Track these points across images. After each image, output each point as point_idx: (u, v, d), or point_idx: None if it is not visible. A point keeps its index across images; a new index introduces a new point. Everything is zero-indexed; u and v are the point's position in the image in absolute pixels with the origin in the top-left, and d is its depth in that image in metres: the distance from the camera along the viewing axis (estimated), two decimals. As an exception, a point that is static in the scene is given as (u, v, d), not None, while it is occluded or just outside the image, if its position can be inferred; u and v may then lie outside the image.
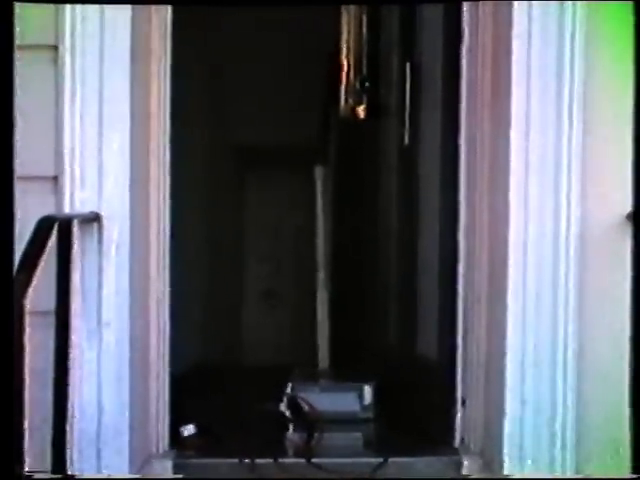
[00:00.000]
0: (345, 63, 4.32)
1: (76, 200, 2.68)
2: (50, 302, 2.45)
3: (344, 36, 4.52)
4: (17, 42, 2.58)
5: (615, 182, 2.64)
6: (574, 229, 2.64)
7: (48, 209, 2.63)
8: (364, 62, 4.34)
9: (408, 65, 3.55)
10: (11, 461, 2.03)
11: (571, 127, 2.66)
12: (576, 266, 2.63)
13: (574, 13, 2.64)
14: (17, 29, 2.58)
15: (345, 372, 3.41)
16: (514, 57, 2.70)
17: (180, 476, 2.82)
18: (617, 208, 2.62)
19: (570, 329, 2.62)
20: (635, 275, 2.50)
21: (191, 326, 3.43)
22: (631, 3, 2.57)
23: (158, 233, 2.86)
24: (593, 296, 2.64)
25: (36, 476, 2.19)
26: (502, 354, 2.65)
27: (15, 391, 2.03)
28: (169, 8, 2.89)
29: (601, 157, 2.66)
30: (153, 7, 2.78)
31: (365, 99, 4.23)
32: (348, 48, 4.52)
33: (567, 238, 2.64)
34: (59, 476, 2.36)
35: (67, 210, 2.67)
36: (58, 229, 2.44)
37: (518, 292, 2.64)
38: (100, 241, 2.64)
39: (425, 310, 3.40)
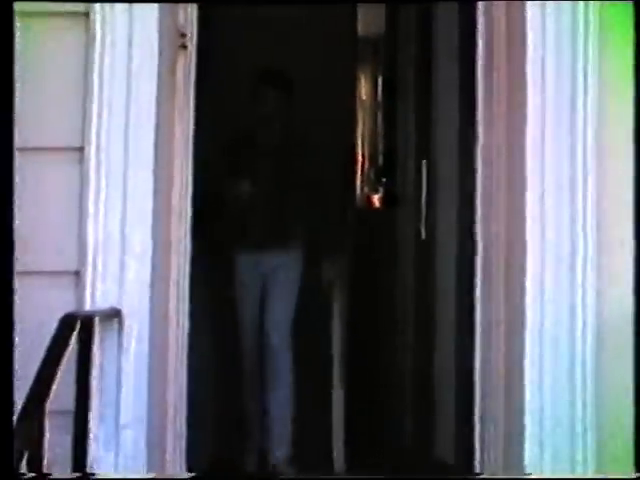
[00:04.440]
0: (361, 156, 4.42)
1: (97, 295, 2.72)
2: (68, 402, 2.46)
3: (360, 130, 4.62)
4: (45, 144, 2.68)
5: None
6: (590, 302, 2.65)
7: (69, 303, 2.67)
8: (380, 155, 4.43)
9: (424, 163, 3.61)
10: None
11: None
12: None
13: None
14: (45, 131, 2.68)
15: (361, 474, 3.36)
16: (528, 152, 2.74)
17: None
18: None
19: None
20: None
21: (207, 430, 3.41)
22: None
23: (177, 330, 2.88)
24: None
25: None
26: (520, 457, 2.63)
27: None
28: (192, 105, 2.96)
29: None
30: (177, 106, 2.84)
31: (382, 191, 4.31)
32: (363, 141, 4.62)
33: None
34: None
35: (88, 303, 2.70)
36: (80, 327, 2.47)
37: (534, 368, 2.62)
38: (120, 337, 2.66)
39: (442, 408, 3.39)
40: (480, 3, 2.91)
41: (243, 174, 3.78)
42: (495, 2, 2.87)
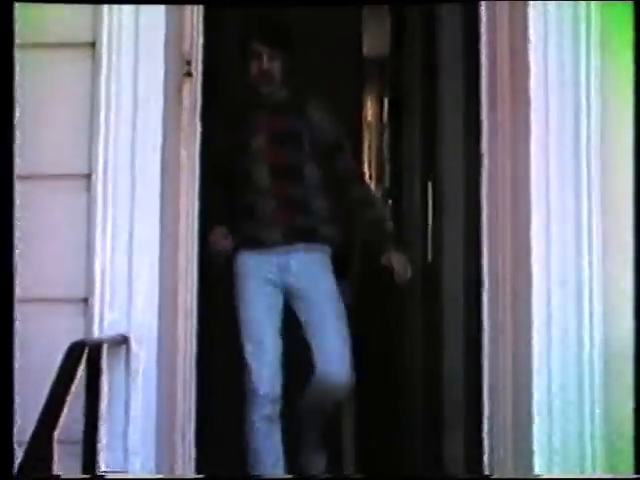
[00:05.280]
0: (367, 177, 4.43)
1: (105, 322, 2.73)
2: (77, 429, 2.47)
3: (366, 151, 4.64)
4: (52, 171, 2.71)
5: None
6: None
7: (77, 330, 2.68)
8: (386, 176, 4.45)
9: (430, 184, 3.62)
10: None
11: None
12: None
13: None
14: (53, 159, 2.72)
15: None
16: (532, 170, 2.74)
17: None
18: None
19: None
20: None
21: (217, 455, 3.42)
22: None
23: (185, 356, 2.90)
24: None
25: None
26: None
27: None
28: (198, 133, 2.98)
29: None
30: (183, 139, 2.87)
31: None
32: (370, 163, 4.64)
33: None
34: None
35: (96, 331, 2.72)
36: (88, 354, 2.48)
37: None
38: (128, 364, 2.67)
39: (451, 419, 3.39)
40: (483, 20, 2.92)
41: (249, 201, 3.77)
42: (498, 13, 2.87)
